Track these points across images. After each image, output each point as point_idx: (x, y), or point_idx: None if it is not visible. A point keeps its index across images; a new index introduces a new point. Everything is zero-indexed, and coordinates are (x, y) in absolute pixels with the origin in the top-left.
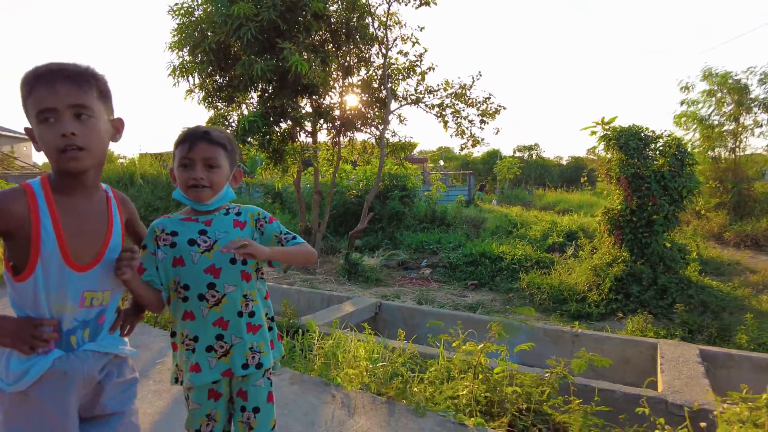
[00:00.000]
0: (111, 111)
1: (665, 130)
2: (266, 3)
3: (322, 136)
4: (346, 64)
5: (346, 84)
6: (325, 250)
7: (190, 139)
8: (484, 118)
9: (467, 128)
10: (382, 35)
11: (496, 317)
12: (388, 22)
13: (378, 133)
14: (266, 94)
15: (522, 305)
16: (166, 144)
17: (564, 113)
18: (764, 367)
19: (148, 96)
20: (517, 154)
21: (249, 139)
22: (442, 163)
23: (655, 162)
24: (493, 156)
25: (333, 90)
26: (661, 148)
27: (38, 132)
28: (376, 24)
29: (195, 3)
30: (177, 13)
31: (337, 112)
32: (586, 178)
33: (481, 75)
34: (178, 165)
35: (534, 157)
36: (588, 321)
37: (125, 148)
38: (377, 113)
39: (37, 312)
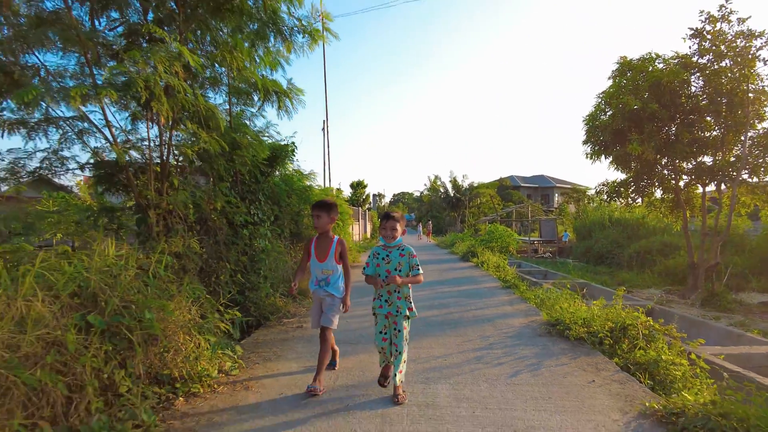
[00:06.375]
0: (332, 214)
1: None
2: (617, 111)
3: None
4: (729, 125)
5: (739, 140)
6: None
7: (385, 217)
8: None
9: None
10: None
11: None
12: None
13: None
14: (638, 166)
15: None
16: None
17: None
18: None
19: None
20: None
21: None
22: None
23: None
24: None
25: (721, 148)
26: None
27: (313, 219)
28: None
29: (597, 113)
30: (585, 122)
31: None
32: None
33: None
34: (381, 227)
35: None
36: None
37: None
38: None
39: (312, 274)
